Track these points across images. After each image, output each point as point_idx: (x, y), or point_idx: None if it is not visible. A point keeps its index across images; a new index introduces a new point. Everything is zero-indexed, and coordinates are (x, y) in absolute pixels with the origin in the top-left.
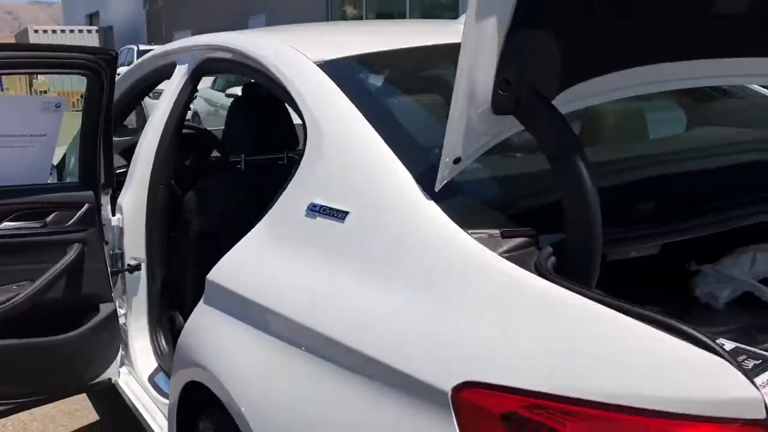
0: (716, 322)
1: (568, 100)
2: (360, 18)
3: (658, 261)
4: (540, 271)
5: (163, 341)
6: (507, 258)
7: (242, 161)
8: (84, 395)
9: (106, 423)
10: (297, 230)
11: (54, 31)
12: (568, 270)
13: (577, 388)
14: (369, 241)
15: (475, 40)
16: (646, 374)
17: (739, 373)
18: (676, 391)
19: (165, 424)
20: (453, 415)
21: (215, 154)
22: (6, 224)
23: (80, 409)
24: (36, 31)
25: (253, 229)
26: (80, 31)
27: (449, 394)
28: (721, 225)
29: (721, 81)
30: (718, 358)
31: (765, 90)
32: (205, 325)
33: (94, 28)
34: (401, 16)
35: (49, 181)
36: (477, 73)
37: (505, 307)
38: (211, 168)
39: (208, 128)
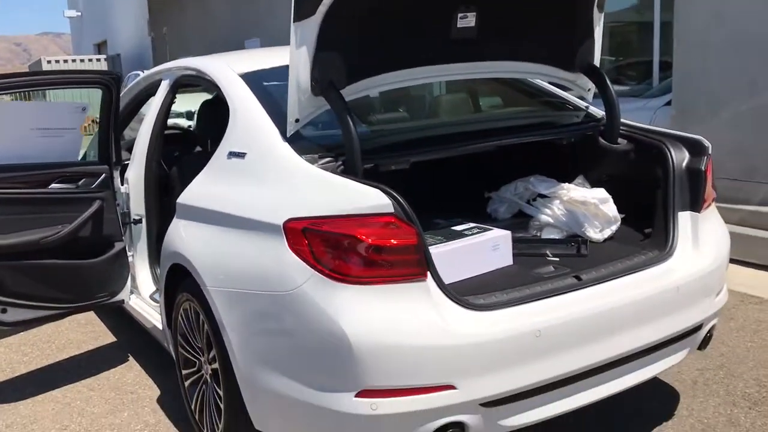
0: (492, 224)
1: (352, 90)
2: None
3: (470, 191)
4: (332, 172)
5: (158, 271)
6: (318, 167)
7: (208, 145)
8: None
9: (123, 343)
10: (222, 166)
11: (65, 61)
12: (346, 171)
13: (323, 211)
14: (255, 165)
15: (297, 58)
16: (340, 197)
17: (382, 194)
18: (355, 202)
19: (159, 319)
20: (284, 236)
21: (198, 149)
22: (53, 186)
23: (101, 335)
24: (49, 62)
25: (200, 172)
26: (90, 60)
27: (282, 226)
28: (449, 152)
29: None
30: (377, 190)
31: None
32: (177, 229)
33: (102, 56)
34: None
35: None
36: (300, 74)
37: (307, 186)
38: (191, 156)
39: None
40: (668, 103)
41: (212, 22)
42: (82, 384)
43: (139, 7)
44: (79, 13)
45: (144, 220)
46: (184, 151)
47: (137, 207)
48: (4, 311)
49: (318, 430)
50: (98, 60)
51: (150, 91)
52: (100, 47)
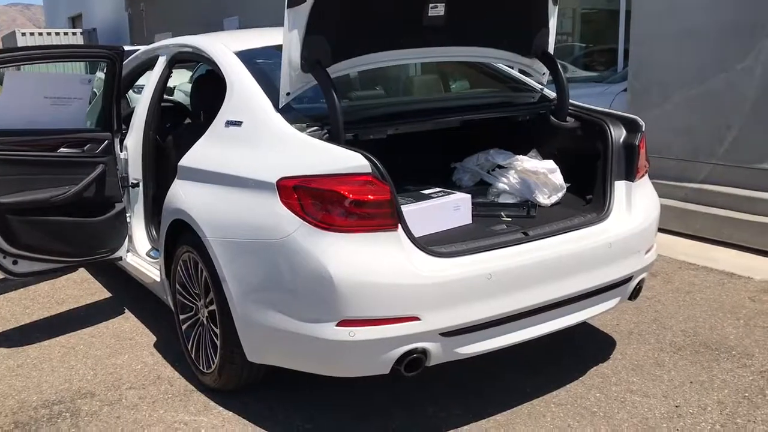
0: (457, 191)
1: (337, 69)
2: None
3: (439, 161)
4: (319, 139)
5: (154, 230)
6: (307, 134)
7: (201, 116)
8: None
9: (118, 298)
10: (220, 133)
11: (40, 34)
12: (330, 138)
13: (311, 170)
14: (250, 132)
15: (289, 39)
16: (326, 159)
17: (362, 157)
18: (338, 164)
19: (157, 273)
20: (276, 193)
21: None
22: (61, 150)
23: (97, 291)
24: (23, 34)
25: (200, 139)
26: (65, 33)
27: (275, 183)
28: (420, 125)
29: (430, 59)
30: (358, 153)
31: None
32: (178, 189)
33: (78, 30)
34: None
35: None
36: (291, 54)
37: (297, 150)
38: (184, 127)
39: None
40: (626, 89)
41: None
42: (84, 332)
43: None
44: None
45: (141, 184)
46: (175, 123)
47: (135, 172)
48: (15, 263)
49: (303, 356)
50: (74, 34)
51: (146, 65)
52: (75, 21)
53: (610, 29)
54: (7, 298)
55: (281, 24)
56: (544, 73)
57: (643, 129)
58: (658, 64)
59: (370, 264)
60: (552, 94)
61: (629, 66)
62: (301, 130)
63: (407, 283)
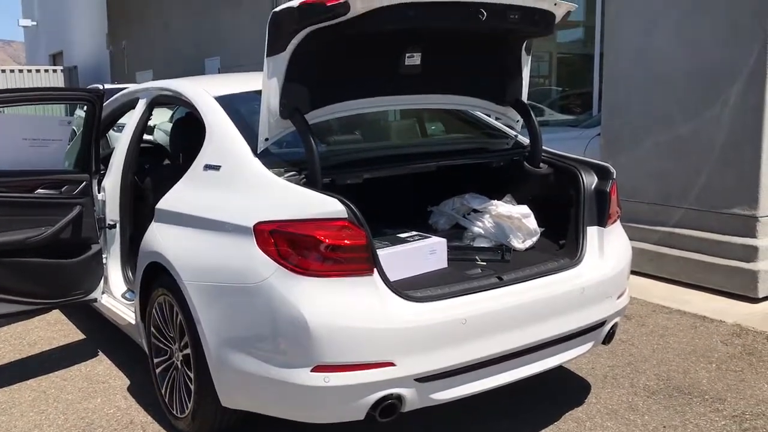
0: (433, 234)
1: (315, 115)
2: None
3: (415, 205)
4: (296, 184)
5: (130, 272)
6: (284, 179)
7: (180, 158)
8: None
9: (92, 340)
10: (198, 177)
11: (21, 71)
12: (308, 183)
13: (288, 215)
14: (228, 176)
15: (268, 86)
16: (303, 204)
17: (338, 202)
18: (315, 209)
19: (132, 316)
20: (253, 237)
21: (166, 162)
22: (38, 191)
23: (71, 333)
24: (3, 71)
25: (178, 182)
26: (46, 70)
27: (252, 228)
28: (397, 170)
29: (406, 107)
30: (334, 199)
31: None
32: (155, 231)
33: (59, 67)
34: None
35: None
36: (270, 100)
37: (274, 195)
38: (163, 168)
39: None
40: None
41: (172, 38)
42: (56, 375)
43: (98, 19)
44: (35, 23)
45: (118, 225)
46: (154, 164)
47: (112, 213)
48: None
49: (278, 401)
50: (54, 71)
51: (127, 107)
52: (56, 58)
53: (586, 73)
54: None
55: (260, 63)
56: (518, 121)
57: (614, 176)
58: (629, 108)
59: (346, 309)
60: (525, 140)
61: (602, 110)
62: (279, 174)
63: (382, 328)
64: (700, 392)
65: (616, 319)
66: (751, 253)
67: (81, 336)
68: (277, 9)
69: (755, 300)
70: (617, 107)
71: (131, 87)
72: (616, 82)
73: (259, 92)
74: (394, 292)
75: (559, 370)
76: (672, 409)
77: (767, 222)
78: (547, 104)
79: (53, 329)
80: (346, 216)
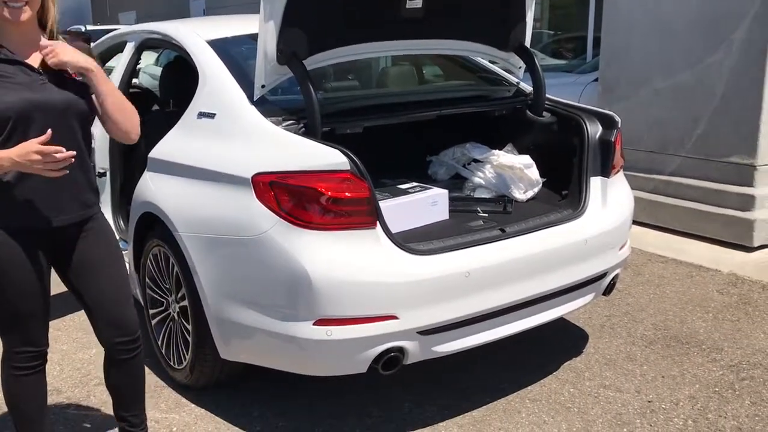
0: (433, 185)
1: (313, 61)
2: None
3: (414, 155)
4: (293, 133)
5: (122, 221)
6: (282, 128)
7: (170, 104)
8: None
9: None
10: (192, 125)
11: None
12: (306, 133)
13: (288, 166)
14: (224, 125)
15: (264, 31)
16: (303, 155)
17: (341, 154)
18: (317, 161)
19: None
20: (252, 188)
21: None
22: None
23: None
24: None
25: (171, 130)
26: None
27: (250, 179)
28: (397, 119)
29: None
30: (336, 150)
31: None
32: (148, 181)
33: None
34: None
35: None
36: (267, 45)
37: (273, 145)
38: (153, 115)
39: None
40: (596, 80)
41: None
42: (50, 324)
43: None
44: None
45: (108, 174)
46: (142, 110)
47: (102, 161)
48: None
49: (279, 354)
50: None
51: (114, 51)
52: None
53: (580, 16)
54: None
55: (248, 7)
56: (520, 67)
57: (619, 125)
58: (628, 54)
59: (348, 262)
60: (528, 87)
61: (601, 56)
62: (277, 123)
63: (385, 282)
64: (698, 342)
65: (617, 271)
66: (747, 202)
67: None
68: None
69: (751, 249)
70: (616, 54)
71: (119, 29)
72: (616, 26)
73: (253, 36)
74: (396, 244)
75: (557, 320)
76: (670, 359)
77: (765, 171)
78: (539, 48)
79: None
80: (349, 168)
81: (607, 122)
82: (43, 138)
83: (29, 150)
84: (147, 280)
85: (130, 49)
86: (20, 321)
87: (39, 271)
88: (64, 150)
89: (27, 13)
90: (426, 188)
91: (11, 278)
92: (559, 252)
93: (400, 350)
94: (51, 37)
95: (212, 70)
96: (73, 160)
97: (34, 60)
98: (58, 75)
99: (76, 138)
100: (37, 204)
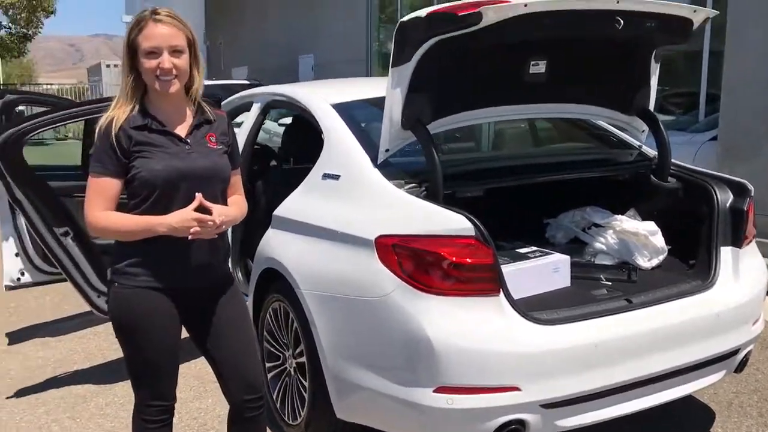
0: (550, 249)
1: (436, 125)
2: None
3: (529, 217)
4: (415, 196)
5: (240, 273)
6: (405, 191)
7: (291, 161)
8: None
9: None
10: (316, 185)
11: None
12: (429, 195)
13: (412, 230)
14: (348, 186)
15: (392, 97)
16: (428, 219)
17: (466, 219)
18: (441, 225)
19: None
20: (374, 250)
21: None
22: None
23: None
24: (108, 66)
25: (296, 189)
26: None
27: (373, 241)
28: (519, 182)
29: (529, 116)
30: (461, 215)
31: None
32: (272, 238)
33: None
34: None
35: None
36: (393, 112)
37: (396, 207)
38: (273, 171)
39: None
40: (713, 138)
41: (267, 34)
42: None
43: (196, 15)
44: None
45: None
46: (260, 166)
47: None
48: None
49: (398, 420)
50: None
51: (243, 110)
52: None
53: (690, 71)
54: (95, 332)
55: (354, 64)
56: (643, 131)
57: (752, 193)
58: (752, 114)
59: (471, 329)
60: (651, 151)
61: (721, 116)
62: (400, 186)
63: (508, 352)
64: None
65: (750, 347)
66: None
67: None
68: (405, 19)
69: None
70: (738, 113)
71: (245, 93)
72: (738, 85)
73: (371, 100)
74: (519, 313)
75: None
76: None
77: None
78: None
79: None
80: (473, 234)
81: (739, 190)
82: (194, 204)
83: (187, 218)
84: (265, 333)
85: (256, 109)
86: (153, 376)
87: (174, 328)
88: (216, 218)
89: (176, 86)
90: (547, 253)
91: (150, 335)
92: (689, 325)
93: (521, 423)
94: (193, 103)
95: (337, 133)
96: (224, 227)
97: (182, 129)
98: (203, 143)
99: (217, 202)
100: (176, 264)
